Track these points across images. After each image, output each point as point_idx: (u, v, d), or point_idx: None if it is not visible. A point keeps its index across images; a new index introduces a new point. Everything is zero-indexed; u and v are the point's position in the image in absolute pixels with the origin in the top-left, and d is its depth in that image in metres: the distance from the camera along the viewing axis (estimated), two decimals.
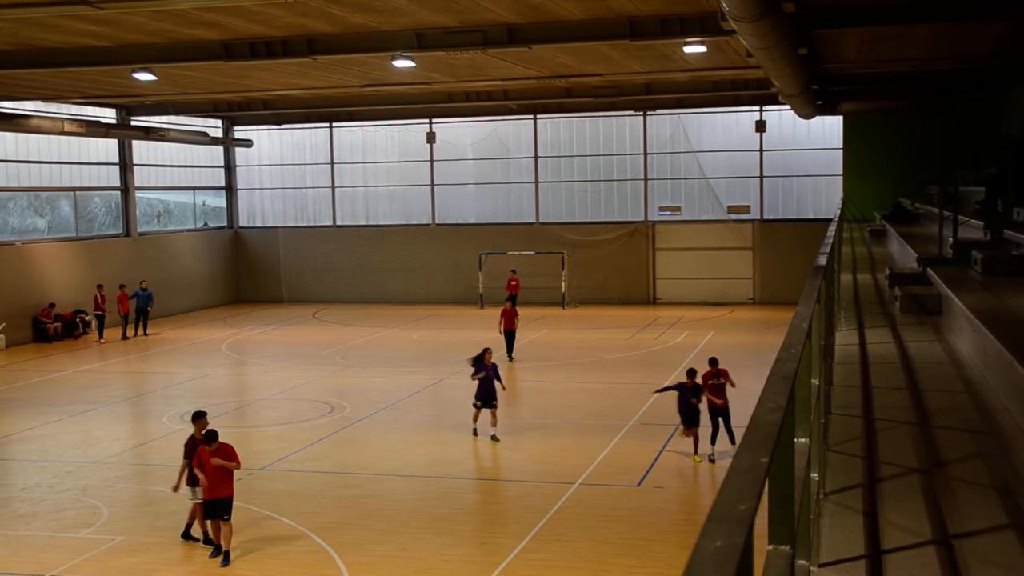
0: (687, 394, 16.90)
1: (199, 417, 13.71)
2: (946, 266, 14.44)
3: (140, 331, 33.32)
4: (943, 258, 15.40)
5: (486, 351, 19.13)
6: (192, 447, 13.35)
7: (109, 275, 34.47)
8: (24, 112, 31.38)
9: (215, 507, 12.85)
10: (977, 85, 30.40)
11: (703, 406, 17.17)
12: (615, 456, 17.49)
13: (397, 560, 12.82)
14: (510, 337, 27.03)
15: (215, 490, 12.73)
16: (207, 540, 13.22)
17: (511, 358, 26.55)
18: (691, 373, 17.36)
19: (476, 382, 18.79)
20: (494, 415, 18.68)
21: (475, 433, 18.74)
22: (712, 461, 16.94)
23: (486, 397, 18.68)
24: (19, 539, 14.02)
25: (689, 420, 16.94)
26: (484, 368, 18.76)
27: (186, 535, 13.61)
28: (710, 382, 17.17)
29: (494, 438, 18.56)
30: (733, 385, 17.16)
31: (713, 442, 16.97)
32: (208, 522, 13.13)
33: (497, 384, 18.84)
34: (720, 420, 17.07)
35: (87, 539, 13.74)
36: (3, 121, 29.61)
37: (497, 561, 12.62)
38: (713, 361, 17.48)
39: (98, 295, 32.90)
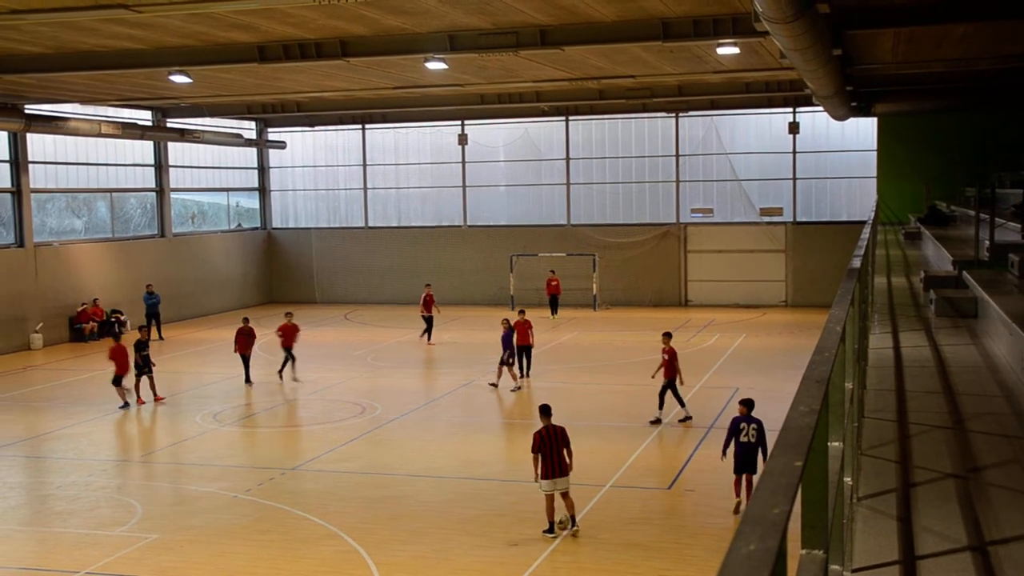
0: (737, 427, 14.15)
1: (546, 411, 13.84)
2: (982, 269, 14.29)
3: (156, 335, 32.41)
4: (979, 261, 15.23)
5: (504, 321, 23.74)
6: (541, 440, 13.48)
7: (144, 276, 34.86)
8: (62, 114, 31.80)
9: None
10: (1016, 85, 30.00)
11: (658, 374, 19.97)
12: (646, 458, 17.44)
13: (427, 560, 12.86)
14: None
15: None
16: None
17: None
18: (747, 404, 14.31)
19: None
20: (512, 373, 23.29)
21: (495, 386, 23.19)
22: (688, 418, 19.68)
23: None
24: (55, 536, 14.21)
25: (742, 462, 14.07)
26: (508, 334, 23.46)
27: (550, 530, 13.50)
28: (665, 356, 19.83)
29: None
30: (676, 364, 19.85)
31: (676, 403, 19.71)
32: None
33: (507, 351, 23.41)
34: (668, 389, 19.68)
35: (121, 537, 13.89)
36: (42, 123, 30.00)
37: (527, 563, 12.62)
38: (667, 336, 20.18)
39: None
